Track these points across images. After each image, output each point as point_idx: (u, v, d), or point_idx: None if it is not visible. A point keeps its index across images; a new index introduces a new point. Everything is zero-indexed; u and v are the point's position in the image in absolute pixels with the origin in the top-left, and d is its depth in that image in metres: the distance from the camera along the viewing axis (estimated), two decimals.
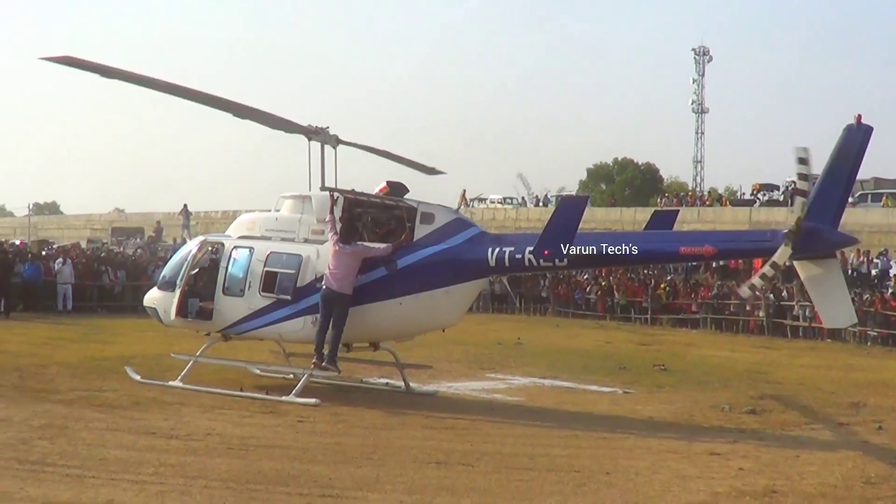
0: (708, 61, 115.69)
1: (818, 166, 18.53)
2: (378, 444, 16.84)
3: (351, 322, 20.80)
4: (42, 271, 45.24)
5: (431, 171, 24.75)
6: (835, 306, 18.81)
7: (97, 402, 19.90)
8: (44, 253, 51.77)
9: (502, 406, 22.27)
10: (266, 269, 21.64)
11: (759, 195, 72.13)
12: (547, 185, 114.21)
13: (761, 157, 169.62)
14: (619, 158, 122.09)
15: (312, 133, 21.72)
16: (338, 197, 21.27)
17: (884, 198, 60.82)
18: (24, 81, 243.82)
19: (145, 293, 24.59)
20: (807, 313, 42.41)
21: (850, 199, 53.16)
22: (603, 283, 53.63)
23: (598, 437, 18.41)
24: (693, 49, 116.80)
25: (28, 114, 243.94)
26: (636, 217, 65.83)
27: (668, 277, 52.55)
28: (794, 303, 44.53)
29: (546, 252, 19.84)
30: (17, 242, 66.12)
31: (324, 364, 20.87)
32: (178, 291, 22.56)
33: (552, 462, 15.88)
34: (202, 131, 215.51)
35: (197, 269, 22.85)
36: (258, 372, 23.99)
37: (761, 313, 46.07)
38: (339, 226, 21.00)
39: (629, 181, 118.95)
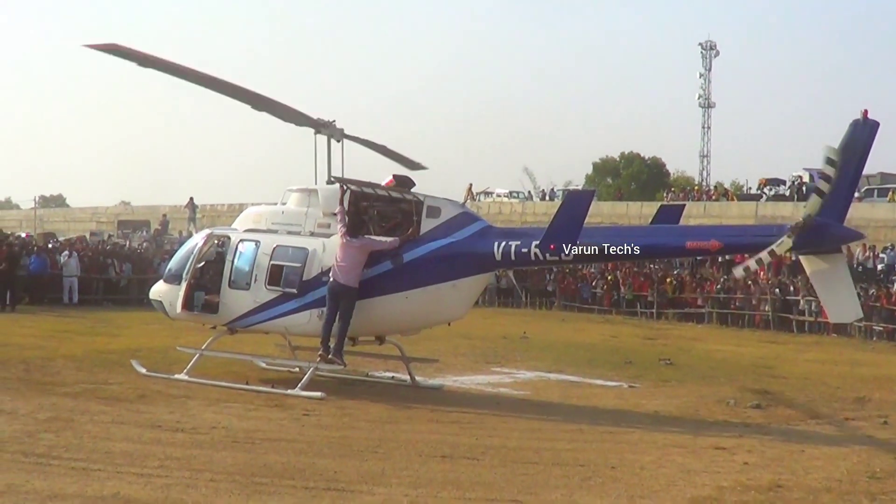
0: (715, 56, 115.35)
1: (822, 161, 18.53)
2: (383, 437, 16.84)
3: (357, 316, 20.80)
4: (48, 264, 45.32)
5: (416, 165, 24.68)
6: (840, 301, 18.81)
7: (103, 395, 19.91)
8: (50, 246, 51.78)
9: (508, 400, 22.29)
10: (272, 262, 21.65)
11: (766, 190, 72.16)
12: (553, 179, 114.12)
13: (768, 151, 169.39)
14: (626, 153, 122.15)
15: (321, 126, 21.84)
16: (346, 189, 21.26)
17: (890, 193, 60.79)
18: (31, 74, 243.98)
19: (151, 286, 24.60)
20: (812, 308, 42.41)
21: (857, 194, 53.31)
22: (609, 278, 53.67)
23: (603, 431, 18.41)
24: (700, 44, 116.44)
25: (34, 107, 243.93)
26: (642, 211, 65.78)
27: (675, 272, 52.52)
28: (799, 297, 44.50)
29: (552, 246, 19.83)
30: (23, 235, 66.15)
31: (329, 357, 20.89)
32: (184, 284, 22.57)
33: (557, 456, 15.88)
34: (209, 124, 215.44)
35: (203, 263, 22.84)
36: (264, 365, 24.02)
37: (767, 308, 46.07)
38: (347, 218, 20.99)
39: (635, 175, 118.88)
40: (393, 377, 24.41)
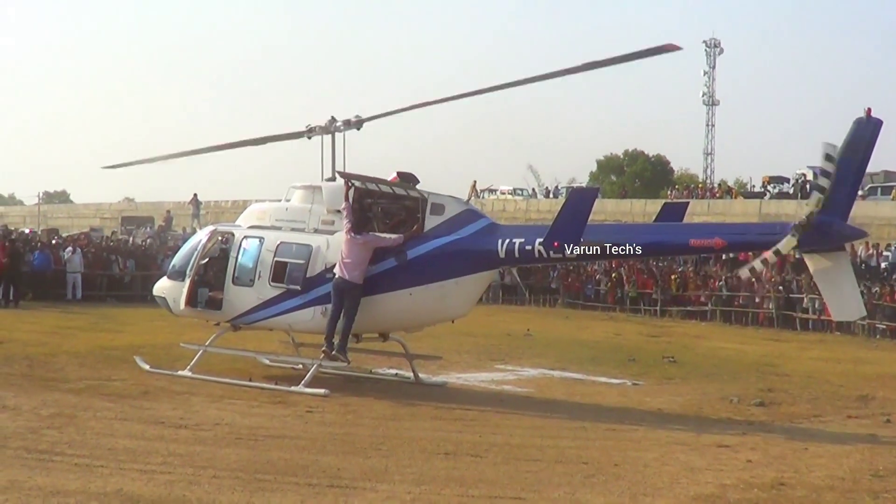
0: (719, 54, 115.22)
1: None
2: (387, 434, 16.84)
3: (361, 312, 20.81)
4: (52, 260, 45.36)
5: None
6: (843, 299, 18.80)
7: (106, 392, 19.93)
8: (53, 242, 51.79)
9: (511, 397, 22.30)
10: (276, 259, 21.65)
11: (770, 187, 72.18)
12: (557, 176, 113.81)
13: (772, 149, 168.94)
14: (630, 150, 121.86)
15: (318, 132, 22.03)
16: (351, 185, 21.25)
17: (894, 191, 60.74)
18: (34, 70, 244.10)
19: (155, 282, 24.64)
20: (816, 306, 42.40)
21: (860, 193, 53.29)
22: (613, 276, 53.69)
23: (606, 428, 18.41)
24: (704, 41, 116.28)
25: (38, 102, 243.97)
26: (646, 209, 65.79)
27: (680, 269, 52.50)
28: (803, 295, 44.49)
29: (556, 244, 19.82)
30: (27, 231, 66.17)
31: (333, 354, 20.89)
32: (187, 281, 22.59)
33: (561, 453, 15.87)
34: (212, 121, 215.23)
35: (207, 259, 22.84)
36: (267, 362, 24.04)
37: (771, 306, 46.08)
38: (353, 215, 20.97)
39: (639, 173, 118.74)
40: (396, 374, 24.45)
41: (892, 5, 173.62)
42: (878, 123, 17.86)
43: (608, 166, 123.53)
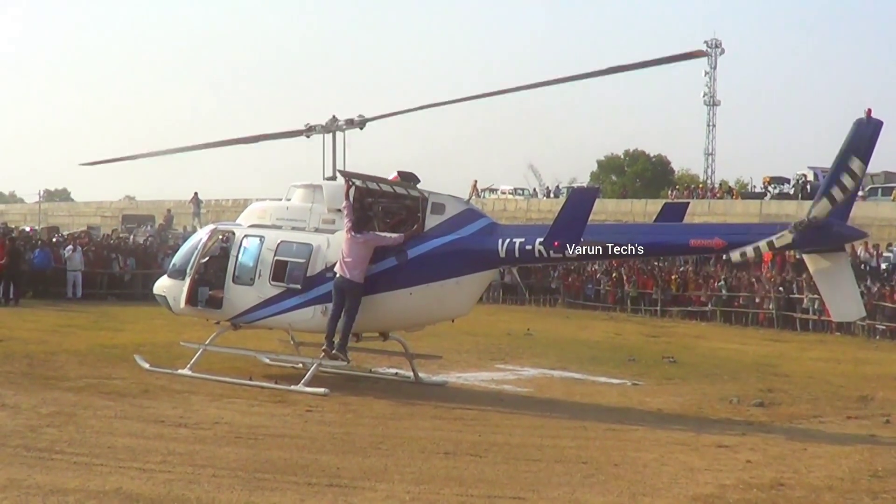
0: (720, 54, 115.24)
1: (828, 160, 18.59)
2: (387, 434, 16.86)
3: (361, 312, 20.81)
4: (52, 258, 45.32)
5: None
6: (843, 300, 18.82)
7: (106, 390, 19.94)
8: (54, 240, 51.76)
9: (511, 397, 22.31)
10: (276, 258, 21.65)
11: (770, 188, 72.15)
12: (558, 176, 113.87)
13: (772, 150, 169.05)
14: (631, 150, 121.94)
15: (313, 132, 22.04)
16: (352, 184, 21.24)
17: (894, 191, 60.72)
18: (34, 68, 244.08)
19: (155, 281, 24.64)
20: (816, 306, 42.34)
21: (861, 193, 53.26)
22: (614, 275, 53.69)
23: (606, 428, 18.43)
24: (705, 42, 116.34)
25: (39, 101, 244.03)
26: (647, 209, 65.79)
27: (681, 269, 52.46)
28: (803, 296, 44.47)
29: (556, 243, 19.82)
30: (28, 229, 66.15)
31: (333, 353, 20.89)
32: (188, 280, 22.59)
33: (560, 453, 15.89)
34: (214, 119, 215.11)
35: (207, 258, 22.85)
36: (267, 361, 24.04)
37: (771, 306, 46.06)
38: (353, 214, 20.96)
39: (640, 173, 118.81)
40: (396, 373, 24.45)
41: (893, 6, 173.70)
42: (879, 124, 17.86)
43: (609, 166, 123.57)
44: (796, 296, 45.28)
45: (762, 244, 18.70)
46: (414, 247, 20.90)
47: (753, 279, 47.98)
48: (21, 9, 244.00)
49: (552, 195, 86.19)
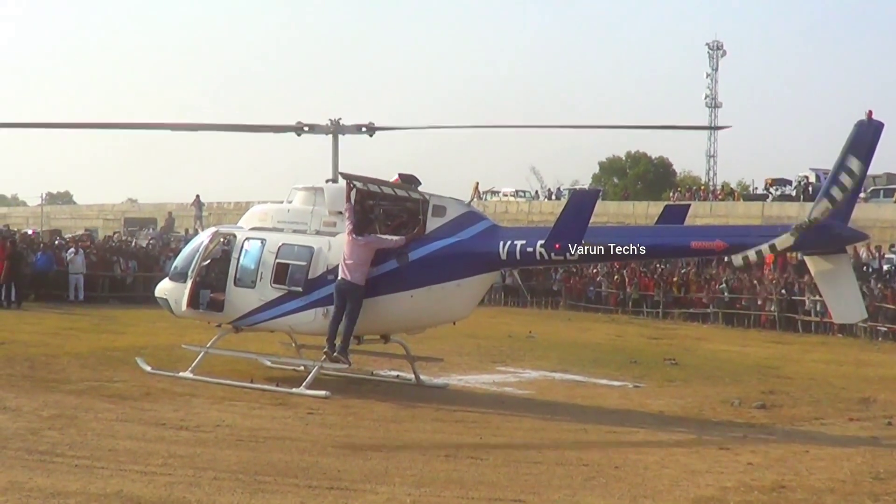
0: (721, 56, 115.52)
1: (830, 161, 18.61)
2: (388, 436, 16.87)
3: (362, 314, 20.80)
4: (54, 261, 45.35)
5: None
6: (844, 302, 18.83)
7: (107, 393, 19.96)
8: (56, 243, 51.80)
9: (512, 399, 22.30)
10: (278, 260, 21.65)
11: (772, 190, 72.09)
12: (560, 178, 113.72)
13: (774, 151, 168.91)
14: (632, 152, 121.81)
15: (315, 129, 22.10)
16: (353, 186, 21.24)
17: None
18: (37, 70, 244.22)
19: (157, 284, 24.64)
20: (818, 308, 42.29)
21: (863, 195, 53.25)
22: (615, 278, 53.68)
23: (607, 430, 18.43)
24: (707, 44, 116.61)
25: (41, 103, 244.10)
26: (649, 211, 65.73)
27: (683, 271, 52.41)
28: (805, 298, 44.43)
29: (557, 246, 19.82)
30: (30, 232, 66.22)
31: (335, 356, 20.89)
32: (189, 282, 22.58)
33: (561, 456, 15.89)
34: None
35: (209, 261, 22.85)
36: (269, 363, 24.01)
37: (773, 308, 46.03)
38: (355, 216, 20.96)
39: (642, 175, 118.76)
40: (398, 376, 24.45)
41: (893, 7, 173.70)
42: (880, 126, 17.88)
43: (611, 168, 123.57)
44: (798, 298, 45.25)
45: (764, 247, 18.72)
46: (415, 249, 20.89)
47: (755, 281, 47.92)
48: (21, 10, 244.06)
49: (554, 197, 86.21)
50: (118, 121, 23.48)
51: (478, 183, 71.21)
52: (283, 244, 21.74)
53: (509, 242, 20.43)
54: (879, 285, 42.86)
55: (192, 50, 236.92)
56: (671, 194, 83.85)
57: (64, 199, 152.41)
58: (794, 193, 67.81)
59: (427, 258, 20.82)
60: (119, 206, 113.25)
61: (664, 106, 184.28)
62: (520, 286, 55.56)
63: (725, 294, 48.55)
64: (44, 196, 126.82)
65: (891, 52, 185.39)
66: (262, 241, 21.98)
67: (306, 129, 22.30)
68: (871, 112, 17.81)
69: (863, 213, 47.73)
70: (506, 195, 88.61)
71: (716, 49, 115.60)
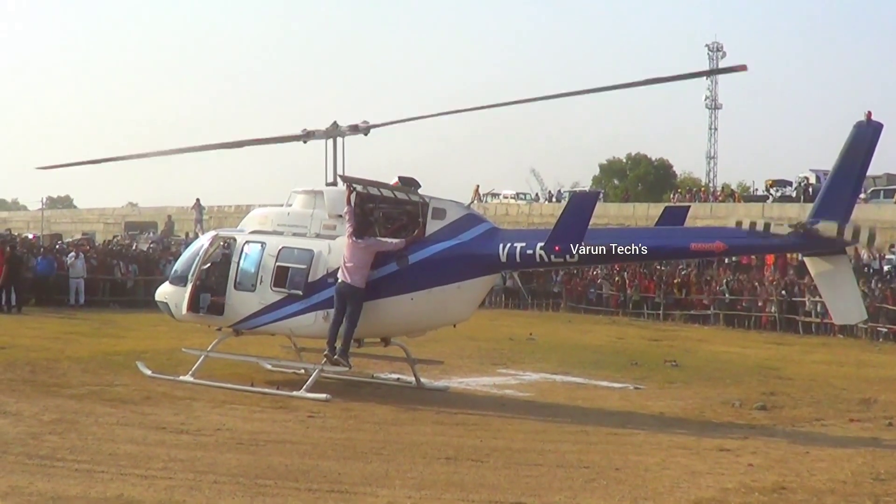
0: (721, 57, 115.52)
1: (830, 162, 18.63)
2: (388, 439, 16.86)
3: (362, 317, 20.80)
4: (55, 265, 45.35)
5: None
6: (844, 302, 18.83)
7: (108, 397, 19.96)
8: (57, 247, 51.80)
9: (513, 402, 22.30)
10: (278, 263, 21.66)
11: (772, 191, 72.07)
12: (560, 180, 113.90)
13: (774, 153, 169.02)
14: (633, 154, 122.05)
15: (312, 136, 22.10)
16: (353, 189, 21.24)
17: None
18: (37, 74, 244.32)
19: (157, 287, 24.64)
20: (818, 309, 42.31)
21: (863, 196, 53.31)
22: (616, 279, 53.70)
23: (608, 432, 18.42)
24: (706, 45, 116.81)
25: (41, 107, 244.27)
26: (649, 213, 65.72)
27: (683, 272, 52.42)
28: (805, 299, 44.44)
29: (557, 248, 19.82)
30: (31, 236, 66.20)
31: (335, 359, 20.89)
32: (189, 286, 22.58)
33: (562, 458, 15.87)
34: (216, 126, 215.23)
35: (209, 264, 22.85)
36: (269, 367, 24.00)
37: (773, 309, 46.05)
38: (354, 219, 20.95)
39: (642, 177, 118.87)
40: (398, 379, 24.43)
41: (892, 9, 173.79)
42: (879, 127, 17.88)
43: (611, 170, 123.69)
44: (799, 299, 45.27)
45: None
46: (415, 252, 20.90)
47: (756, 282, 47.96)
48: (21, 15, 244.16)
49: (554, 199, 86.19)
50: (127, 153, 23.75)
51: (478, 185, 71.14)
52: (283, 247, 21.74)
53: (509, 245, 20.43)
54: (880, 286, 42.90)
55: (191, 50, 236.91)
56: (671, 196, 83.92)
57: (64, 203, 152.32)
58: (794, 194, 67.78)
59: (427, 261, 20.82)
60: (119, 209, 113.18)
61: (664, 107, 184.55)
62: (520, 288, 55.60)
63: (726, 295, 48.65)
64: (44, 200, 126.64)
65: (890, 54, 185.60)
66: (263, 244, 21.99)
67: (316, 134, 22.31)
68: (870, 113, 17.82)
69: (863, 214, 47.71)
70: (506, 197, 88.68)
71: (715, 50, 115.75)
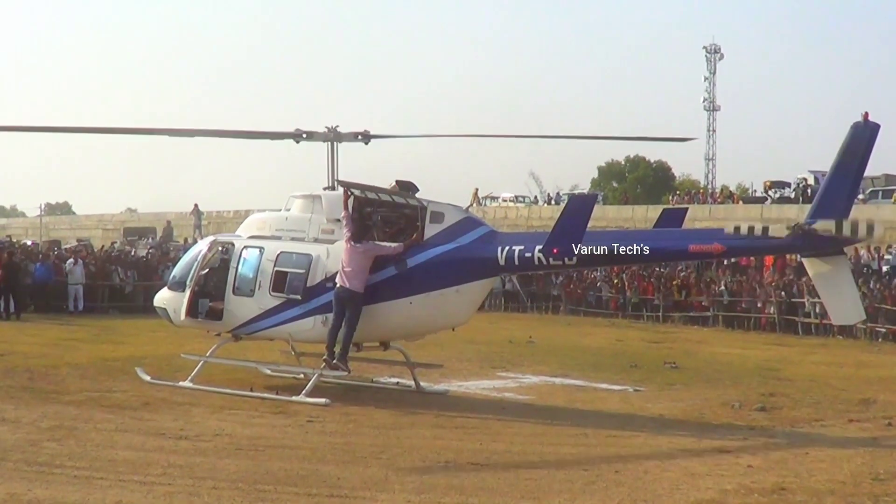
0: (719, 59, 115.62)
1: (829, 163, 18.65)
2: (388, 443, 16.84)
3: (361, 321, 20.78)
4: (53, 272, 45.34)
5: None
6: (843, 303, 18.84)
7: (107, 403, 19.95)
8: (55, 253, 51.78)
9: (513, 405, 22.29)
10: (276, 268, 21.64)
11: (771, 192, 72.09)
12: (559, 183, 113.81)
13: (773, 154, 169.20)
14: (631, 156, 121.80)
15: (311, 138, 22.13)
16: (351, 194, 21.23)
17: (894, 194, 60.68)
18: (36, 79, 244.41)
19: (156, 293, 24.63)
20: (818, 310, 42.23)
21: (861, 196, 53.34)
22: (615, 282, 53.69)
23: (607, 434, 18.41)
24: (704, 47, 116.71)
25: (39, 113, 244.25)
26: (648, 215, 65.72)
27: (682, 274, 52.39)
28: (804, 300, 44.42)
29: (555, 250, 19.82)
30: (29, 243, 66.19)
31: (334, 363, 20.87)
32: (188, 291, 22.58)
33: (561, 460, 15.90)
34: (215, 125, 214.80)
35: (207, 269, 22.84)
36: (268, 372, 24.01)
37: (773, 310, 46.03)
38: (352, 224, 20.93)
39: (641, 179, 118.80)
40: (398, 383, 24.42)
41: (891, 10, 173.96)
42: (876, 127, 17.89)
43: (610, 172, 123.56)
44: (798, 300, 45.25)
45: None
46: (413, 256, 20.88)
47: (755, 284, 47.94)
48: (21, 21, 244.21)
49: (553, 202, 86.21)
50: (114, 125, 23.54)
51: (477, 189, 71.15)
52: (281, 252, 21.73)
53: (507, 248, 20.42)
54: (879, 286, 42.88)
55: (190, 52, 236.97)
56: (670, 198, 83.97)
57: (63, 209, 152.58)
58: (792, 196, 67.82)
59: (425, 264, 20.81)
60: (118, 216, 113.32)
61: (663, 110, 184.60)
62: (519, 291, 55.59)
63: (725, 297, 48.61)
64: (43, 207, 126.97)
65: (887, 54, 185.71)
66: (261, 249, 21.98)
67: (304, 136, 22.34)
68: (867, 114, 17.82)
69: (861, 215, 47.66)
70: (505, 200, 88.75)
71: (713, 52, 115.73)
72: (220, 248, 22.99)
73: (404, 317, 21.07)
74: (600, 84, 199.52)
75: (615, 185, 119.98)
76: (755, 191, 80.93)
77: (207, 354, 22.70)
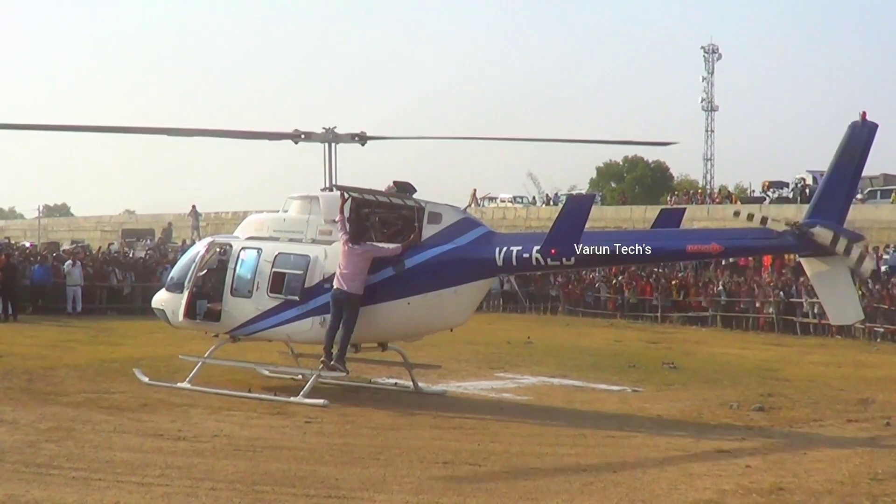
0: (717, 59, 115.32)
1: (826, 163, 18.65)
2: (386, 444, 16.83)
3: (359, 322, 20.76)
4: (51, 273, 45.33)
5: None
6: (841, 303, 18.84)
7: (105, 405, 19.93)
8: (53, 255, 51.78)
9: (511, 405, 22.28)
10: (274, 269, 21.62)
11: (769, 192, 72.13)
12: (557, 183, 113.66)
13: (771, 154, 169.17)
14: (629, 156, 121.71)
15: (309, 139, 22.12)
16: (347, 197, 21.24)
17: (893, 194, 60.74)
18: (33, 83, 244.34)
19: (154, 295, 24.62)
20: (816, 310, 42.25)
21: (860, 196, 53.39)
22: (614, 282, 53.70)
23: (605, 435, 18.40)
24: (702, 47, 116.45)
25: (38, 115, 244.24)
26: (646, 215, 65.70)
27: (680, 275, 52.43)
28: (803, 300, 44.44)
29: (553, 251, 19.81)
30: (28, 245, 66.17)
31: (332, 364, 20.85)
32: (186, 293, 22.57)
33: (559, 461, 15.90)
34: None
35: (205, 271, 22.84)
36: (267, 373, 24.00)
37: (771, 310, 46.04)
38: (349, 226, 20.92)
39: (639, 179, 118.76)
40: (396, 384, 24.42)
41: (890, 11, 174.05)
42: (874, 127, 17.90)
43: (608, 173, 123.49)
44: (796, 300, 45.28)
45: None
46: (411, 257, 20.86)
47: (753, 284, 47.96)
48: (20, 23, 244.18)
49: (551, 203, 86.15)
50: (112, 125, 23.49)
51: (475, 189, 71.19)
52: (279, 253, 21.72)
53: (505, 248, 20.42)
54: (877, 286, 42.89)
55: (189, 53, 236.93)
56: (669, 198, 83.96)
57: (61, 211, 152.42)
58: (791, 196, 67.87)
59: (423, 265, 20.79)
60: (117, 217, 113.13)
61: (661, 110, 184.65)
62: (517, 292, 55.60)
63: (723, 297, 48.63)
64: (41, 208, 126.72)
65: (885, 54, 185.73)
66: (259, 250, 21.96)
67: (303, 136, 22.33)
68: (864, 113, 17.83)
69: (860, 214, 47.87)
70: (503, 201, 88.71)
71: (711, 52, 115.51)
72: (217, 250, 22.99)
73: (402, 317, 21.05)
74: (598, 84, 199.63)
75: (613, 185, 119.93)
76: (753, 191, 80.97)
77: (206, 355, 22.69)
